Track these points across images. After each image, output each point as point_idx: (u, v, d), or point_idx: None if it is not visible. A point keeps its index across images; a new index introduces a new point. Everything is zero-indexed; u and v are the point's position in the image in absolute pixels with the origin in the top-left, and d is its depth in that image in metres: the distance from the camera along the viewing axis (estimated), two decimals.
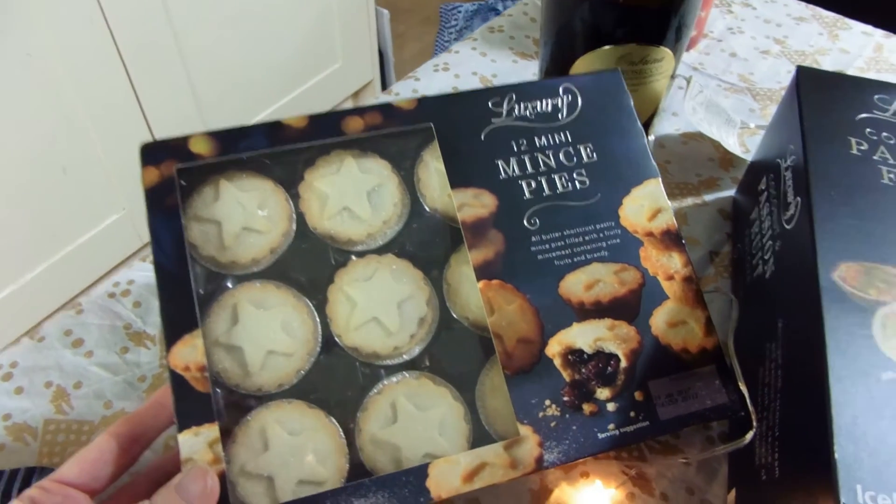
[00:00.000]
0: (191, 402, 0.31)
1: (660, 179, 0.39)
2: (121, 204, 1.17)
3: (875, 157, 0.39)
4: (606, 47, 0.45)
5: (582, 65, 0.47)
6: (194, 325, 0.32)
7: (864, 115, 0.41)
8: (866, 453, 0.28)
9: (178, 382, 0.31)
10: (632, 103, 0.41)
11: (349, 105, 1.61)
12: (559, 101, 0.40)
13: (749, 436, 0.35)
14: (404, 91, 0.62)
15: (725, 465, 0.38)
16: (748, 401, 0.35)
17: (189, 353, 0.32)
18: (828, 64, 0.68)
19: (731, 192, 0.54)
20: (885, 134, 0.40)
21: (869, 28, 0.73)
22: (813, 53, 0.69)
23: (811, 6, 0.76)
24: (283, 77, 1.39)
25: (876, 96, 0.42)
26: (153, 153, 0.35)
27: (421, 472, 0.32)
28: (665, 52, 0.46)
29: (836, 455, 0.28)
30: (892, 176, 0.38)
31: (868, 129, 0.40)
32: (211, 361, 0.33)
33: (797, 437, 0.33)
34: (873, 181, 0.38)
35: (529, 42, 0.69)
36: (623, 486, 0.37)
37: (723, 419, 0.36)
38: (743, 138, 0.58)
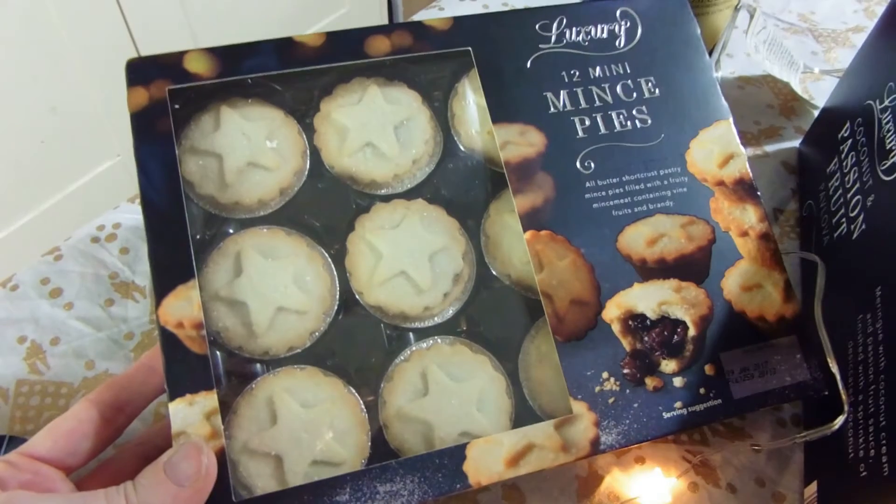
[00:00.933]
0: (185, 366, 0.26)
1: (731, 121, 0.34)
2: (115, 150, 1.09)
3: None
4: None
5: None
6: (190, 274, 0.27)
7: None
8: None
9: (170, 342, 0.26)
10: (699, 31, 0.35)
11: None
12: (616, 26, 0.34)
13: (839, 421, 0.30)
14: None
15: (800, 454, 0.33)
16: (839, 381, 0.30)
17: (183, 307, 0.27)
18: None
19: (795, 143, 0.48)
20: None
21: None
22: None
23: None
24: (285, 24, 1.31)
25: None
26: (142, 70, 0.29)
27: (457, 453, 0.27)
28: None
29: None
30: None
31: None
32: (209, 318, 0.27)
33: None
34: None
35: None
36: (685, 475, 0.32)
37: (805, 399, 0.31)
38: (806, 84, 0.52)
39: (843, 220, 0.36)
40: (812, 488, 0.32)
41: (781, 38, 0.53)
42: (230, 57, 0.30)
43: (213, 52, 0.30)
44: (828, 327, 0.32)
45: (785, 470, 0.33)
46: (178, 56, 0.30)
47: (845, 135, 0.39)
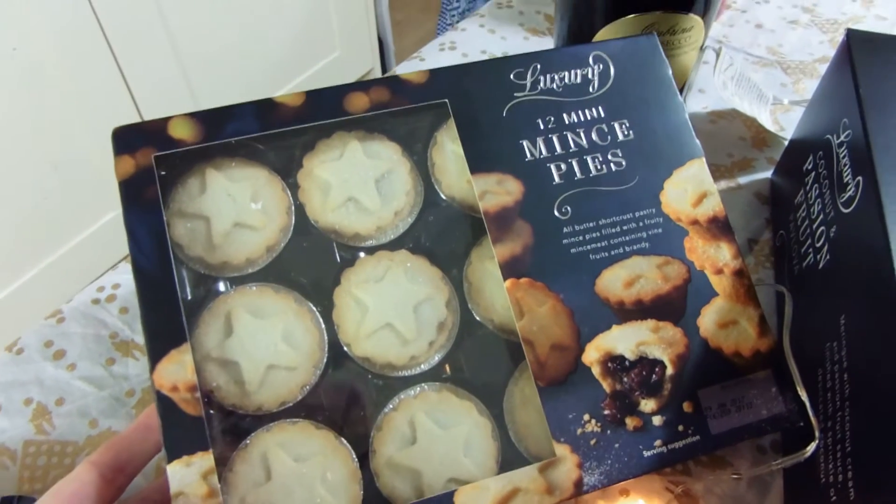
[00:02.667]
0: (181, 428, 0.27)
1: (704, 159, 0.35)
2: (115, 202, 1.10)
3: None
4: (630, 16, 0.40)
5: (603, 37, 0.42)
6: (182, 338, 0.28)
7: None
8: None
9: (166, 406, 0.27)
10: (670, 72, 0.36)
11: None
12: (589, 71, 0.35)
13: (810, 448, 0.31)
14: (409, 71, 0.57)
15: (780, 480, 0.34)
16: (808, 409, 0.31)
17: (177, 370, 0.28)
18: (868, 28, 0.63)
19: (767, 174, 0.49)
20: None
21: None
22: (846, 22, 0.64)
23: None
24: (280, 67, 1.33)
25: None
26: (127, 139, 0.30)
27: (446, 501, 0.28)
28: (695, 20, 0.42)
29: None
30: None
31: None
32: (202, 378, 0.28)
33: (875, 454, 0.29)
34: None
35: (541, 18, 0.64)
36: None
37: (781, 431, 0.32)
38: (776, 115, 0.53)
39: (811, 250, 0.38)
40: None
41: (749, 73, 0.54)
42: (212, 121, 0.31)
43: (196, 117, 0.31)
44: (800, 355, 0.34)
45: (766, 496, 0.34)
46: (163, 123, 0.31)
47: (809, 167, 0.40)
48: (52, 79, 0.95)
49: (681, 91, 0.47)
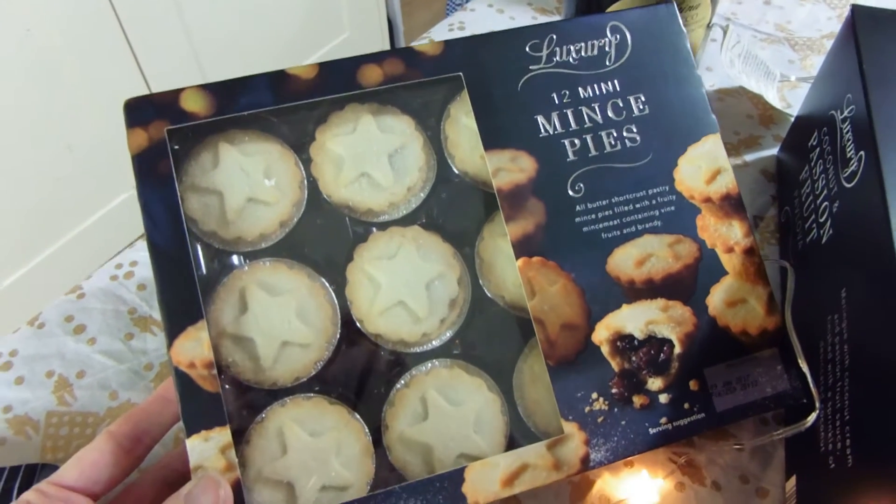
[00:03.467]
0: (199, 404, 0.28)
1: (719, 135, 0.35)
2: (130, 182, 1.10)
3: None
4: None
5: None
6: (198, 315, 0.28)
7: None
8: None
9: (184, 382, 0.28)
10: (689, 43, 0.36)
11: None
12: (606, 42, 0.35)
13: (811, 419, 0.32)
14: None
15: (782, 450, 0.35)
16: (809, 380, 0.32)
17: (194, 347, 0.28)
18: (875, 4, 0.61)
19: (773, 151, 0.49)
20: None
21: None
22: None
23: None
24: (289, 49, 1.31)
25: None
26: (139, 111, 0.30)
27: (456, 476, 0.29)
28: None
29: None
30: None
31: None
32: (219, 353, 0.29)
33: (872, 422, 0.29)
34: None
35: None
36: (672, 476, 0.34)
37: (785, 407, 0.33)
38: (783, 92, 0.53)
39: (814, 225, 0.38)
40: (791, 482, 0.34)
41: (757, 50, 0.53)
42: (225, 93, 0.31)
43: (209, 88, 0.31)
44: (802, 328, 0.34)
45: (767, 466, 0.35)
46: (175, 94, 0.30)
47: (813, 143, 0.40)
48: (65, 60, 0.94)
49: None
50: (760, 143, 0.49)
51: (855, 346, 0.31)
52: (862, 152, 0.34)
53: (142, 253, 0.41)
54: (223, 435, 0.28)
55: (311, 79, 0.32)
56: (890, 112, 0.34)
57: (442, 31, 0.58)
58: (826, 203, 0.37)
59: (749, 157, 0.48)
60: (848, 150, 0.36)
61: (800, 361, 0.32)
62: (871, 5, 0.39)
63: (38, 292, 1.04)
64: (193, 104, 0.30)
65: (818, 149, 0.40)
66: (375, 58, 0.32)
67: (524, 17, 0.60)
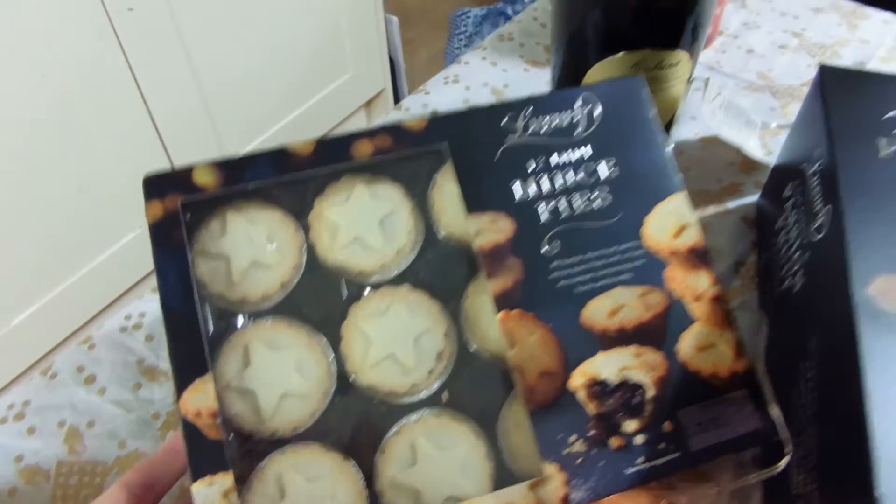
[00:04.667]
0: (204, 451, 0.30)
1: (684, 193, 0.38)
2: (137, 222, 1.17)
3: None
4: (620, 54, 0.43)
5: (595, 73, 0.45)
6: (205, 369, 0.31)
7: (891, 114, 0.39)
8: None
9: (190, 430, 0.30)
10: (655, 112, 0.39)
11: (362, 115, 1.59)
12: (577, 112, 0.38)
13: (782, 463, 0.33)
14: (414, 106, 0.61)
15: (760, 492, 0.37)
16: (780, 426, 0.34)
17: (200, 398, 0.31)
18: (848, 55, 0.65)
19: (754, 198, 0.52)
20: None
21: (888, 15, 0.70)
22: (832, 45, 0.66)
23: None
24: (294, 88, 1.38)
25: None
26: (156, 186, 0.34)
27: None
28: (681, 55, 0.44)
29: (880, 490, 0.26)
30: None
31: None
32: (223, 406, 0.32)
33: (837, 467, 0.31)
34: None
35: (540, 49, 0.67)
36: None
37: (757, 446, 0.35)
38: (765, 139, 0.56)
39: (788, 274, 0.40)
40: None
41: (739, 98, 0.57)
42: (233, 168, 0.34)
43: (218, 165, 0.34)
44: (777, 373, 0.36)
45: None
46: (188, 171, 0.34)
47: (788, 193, 0.43)
48: (78, 105, 1.00)
49: (671, 120, 0.50)
50: (741, 190, 0.52)
51: (822, 394, 0.33)
52: (829, 206, 0.37)
53: (150, 304, 0.44)
54: (226, 480, 0.30)
55: (308, 154, 0.35)
56: (854, 168, 0.37)
57: (438, 84, 0.62)
58: (798, 253, 0.40)
59: (731, 204, 0.51)
60: (816, 203, 0.38)
61: (771, 408, 0.34)
62: (838, 65, 0.43)
63: (48, 331, 1.08)
64: (205, 178, 0.34)
65: (792, 199, 0.42)
66: (367, 134, 0.36)
67: (516, 70, 0.65)
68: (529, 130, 0.38)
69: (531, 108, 0.38)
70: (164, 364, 0.41)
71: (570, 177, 0.37)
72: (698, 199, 0.52)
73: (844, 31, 0.68)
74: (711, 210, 0.50)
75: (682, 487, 0.37)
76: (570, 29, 0.46)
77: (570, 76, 0.48)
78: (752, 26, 0.69)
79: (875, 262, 0.33)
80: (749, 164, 0.54)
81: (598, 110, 0.39)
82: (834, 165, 0.37)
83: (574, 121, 0.38)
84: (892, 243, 0.34)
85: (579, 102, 0.39)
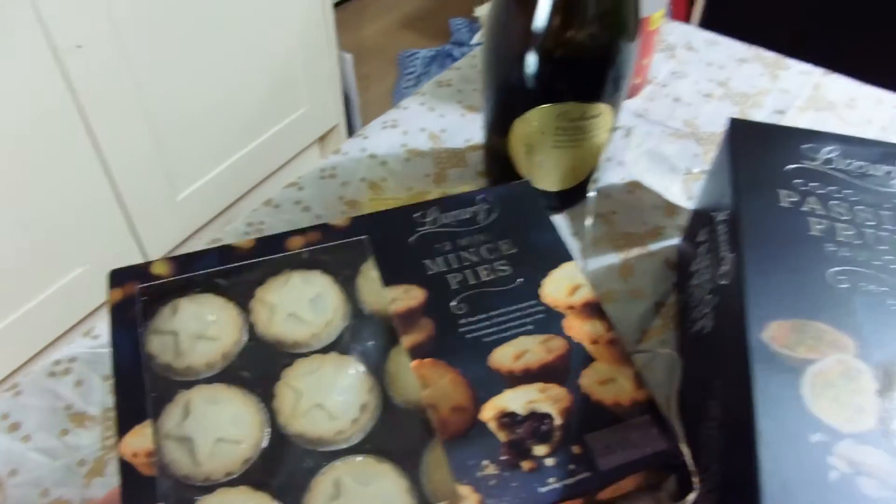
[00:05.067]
0: (138, 488, 0.33)
1: (575, 262, 0.44)
2: (84, 258, 1.17)
3: (804, 209, 0.40)
4: (544, 106, 0.48)
5: (521, 123, 0.50)
6: (145, 417, 0.35)
7: (792, 166, 0.42)
8: None
9: (126, 469, 0.33)
10: (545, 205, 0.47)
11: (316, 149, 1.61)
12: (477, 209, 0.46)
13: (690, 498, 0.35)
14: (353, 150, 0.64)
15: None
16: (689, 460, 0.36)
17: (139, 441, 0.34)
18: (769, 104, 0.70)
19: (676, 241, 0.54)
20: (813, 184, 0.41)
21: (807, 67, 0.75)
22: (755, 95, 0.70)
23: (753, 47, 0.78)
24: (248, 123, 1.40)
25: (804, 146, 0.43)
26: (120, 277, 0.40)
27: None
28: (603, 107, 0.48)
29: None
30: (820, 227, 0.39)
31: (797, 180, 0.41)
32: (161, 454, 0.35)
33: (734, 500, 0.33)
34: (802, 233, 0.39)
35: (478, 95, 0.70)
36: None
37: (664, 466, 0.37)
38: (689, 184, 0.58)
39: (700, 315, 0.44)
40: None
41: (663, 147, 0.61)
42: (185, 261, 0.41)
43: (173, 259, 0.41)
44: (689, 411, 0.38)
45: None
46: (148, 264, 0.41)
47: (701, 238, 0.46)
48: (25, 141, 1.02)
49: (594, 169, 0.54)
50: (664, 233, 0.55)
51: (724, 432, 0.36)
52: (732, 253, 0.39)
53: (81, 349, 0.45)
54: None
55: (249, 248, 0.42)
56: (755, 217, 0.39)
57: (376, 129, 0.65)
58: (710, 296, 0.41)
59: (653, 247, 0.54)
60: (723, 249, 0.41)
61: (681, 445, 0.37)
62: (747, 119, 0.47)
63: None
64: (161, 270, 0.41)
65: (705, 244, 0.45)
66: (299, 232, 0.43)
67: (453, 115, 0.68)
68: (439, 222, 0.45)
69: (437, 207, 0.46)
70: (94, 409, 0.42)
71: (475, 254, 0.43)
72: (624, 242, 0.55)
73: (767, 80, 0.73)
74: (636, 252, 0.53)
75: None
76: (498, 81, 0.50)
77: (498, 125, 0.53)
78: (679, 75, 0.73)
79: (770, 309, 0.35)
80: (672, 209, 0.57)
81: (497, 209, 0.46)
82: (738, 214, 0.39)
83: (475, 214, 0.46)
84: (787, 291, 0.36)
85: (479, 199, 0.46)
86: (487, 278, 0.42)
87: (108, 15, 1.08)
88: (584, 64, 0.47)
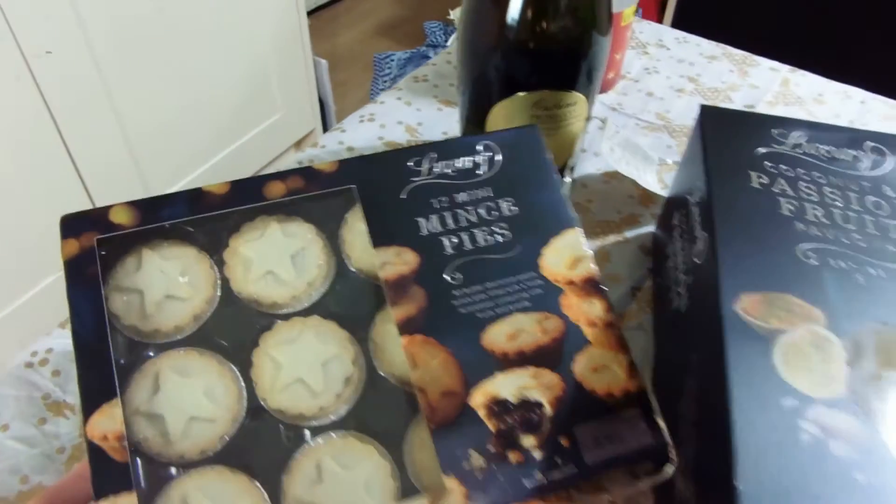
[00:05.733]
0: (109, 472, 0.31)
1: (578, 229, 0.41)
2: (57, 266, 1.14)
3: (774, 190, 0.41)
4: (520, 94, 0.48)
5: (497, 112, 0.49)
6: (113, 394, 0.32)
7: (763, 150, 0.44)
8: (769, 482, 0.29)
9: (96, 453, 0.31)
10: (550, 157, 0.43)
11: (292, 154, 1.63)
12: (479, 157, 0.42)
13: (668, 469, 0.35)
14: (330, 143, 0.64)
15: (651, 501, 0.38)
16: (667, 434, 0.36)
17: (107, 422, 0.32)
18: (739, 99, 0.72)
19: (651, 228, 0.56)
20: (783, 166, 0.43)
21: (776, 64, 0.78)
22: (725, 90, 0.73)
23: (721, 45, 0.81)
24: (222, 129, 1.41)
25: (774, 130, 0.45)
26: (73, 225, 0.35)
27: None
28: (577, 96, 0.49)
29: (740, 486, 0.28)
30: (790, 207, 0.40)
31: (767, 163, 0.43)
32: (131, 431, 0.32)
33: (709, 470, 0.33)
34: (773, 212, 0.40)
35: (453, 90, 0.72)
36: None
37: (648, 461, 0.37)
38: (662, 174, 0.61)
39: (675, 296, 0.43)
40: None
41: (639, 137, 0.62)
42: (149, 208, 0.37)
43: (135, 204, 0.36)
44: (666, 388, 0.38)
45: None
46: (105, 210, 0.36)
47: (675, 222, 0.47)
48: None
49: (570, 157, 0.54)
50: (640, 221, 0.56)
51: (699, 405, 0.36)
52: (705, 233, 0.40)
53: (57, 340, 0.45)
54: (130, 499, 0.30)
55: (223, 194, 0.38)
56: (727, 198, 0.41)
57: (353, 123, 0.65)
58: (684, 276, 0.43)
59: (629, 234, 0.55)
60: (696, 230, 0.42)
61: (658, 419, 0.36)
62: (717, 106, 0.48)
63: None
64: (121, 217, 0.36)
65: (679, 227, 0.46)
66: (280, 176, 0.39)
67: (430, 109, 0.69)
68: (435, 172, 0.41)
69: (434, 153, 0.41)
70: (71, 398, 0.41)
71: (473, 213, 0.40)
72: (600, 230, 0.56)
73: (736, 77, 0.75)
74: (612, 239, 0.54)
75: (579, 497, 0.38)
76: (474, 72, 0.50)
77: (475, 115, 0.52)
78: (651, 71, 0.76)
79: (742, 282, 0.36)
80: (647, 197, 0.58)
81: (499, 156, 0.42)
82: (710, 195, 0.41)
83: (476, 164, 0.42)
84: (758, 266, 0.37)
85: (480, 148, 0.42)
86: (485, 244, 0.39)
87: (77, 21, 1.04)
88: (559, 54, 0.48)
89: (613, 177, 0.60)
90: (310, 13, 1.62)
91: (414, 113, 0.68)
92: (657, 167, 0.60)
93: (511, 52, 0.47)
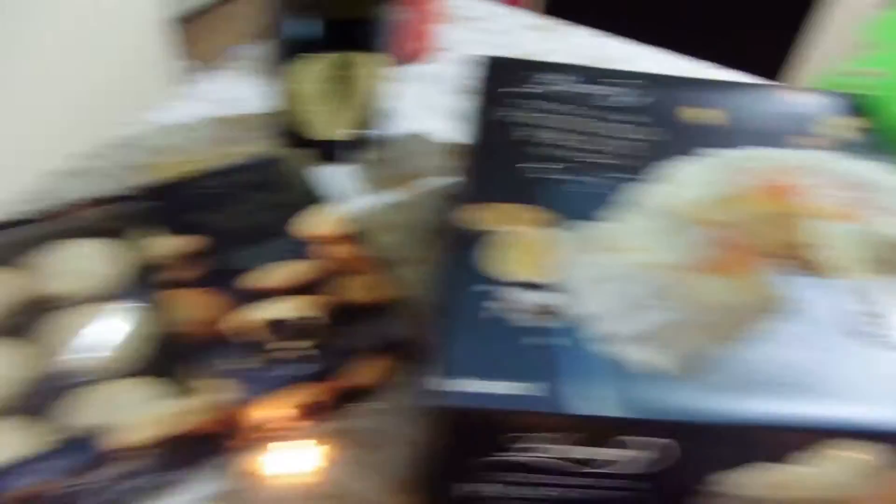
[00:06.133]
0: None
1: (335, 204, 0.49)
2: None
3: (515, 121, 0.46)
4: (314, 57, 0.52)
5: (296, 77, 0.53)
6: None
7: (517, 90, 0.49)
8: (462, 353, 0.34)
9: None
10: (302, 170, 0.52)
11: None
12: (238, 178, 0.51)
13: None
14: (143, 120, 0.65)
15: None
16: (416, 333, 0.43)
17: None
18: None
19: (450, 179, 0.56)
20: (531, 102, 0.48)
21: (596, 32, 0.80)
22: (541, 56, 0.69)
23: (545, 17, 0.82)
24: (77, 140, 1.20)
25: (537, 74, 0.50)
26: None
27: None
28: (368, 58, 0.53)
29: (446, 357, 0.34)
30: (521, 133, 0.45)
31: (518, 100, 0.48)
32: None
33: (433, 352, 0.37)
34: (506, 139, 0.45)
35: None
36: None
37: (408, 353, 0.43)
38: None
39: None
40: None
41: (439, 101, 0.66)
42: None
43: None
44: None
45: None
46: None
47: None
48: None
49: (372, 116, 0.58)
50: (439, 173, 0.61)
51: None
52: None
53: None
54: None
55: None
56: (479, 134, 0.45)
57: (167, 100, 0.66)
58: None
59: (430, 184, 0.61)
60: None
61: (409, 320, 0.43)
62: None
63: None
64: None
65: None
66: (79, 202, 0.46)
67: (248, 86, 0.69)
68: (213, 189, 0.49)
69: (211, 178, 0.50)
70: None
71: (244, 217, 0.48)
72: (401, 182, 0.61)
73: (553, 44, 0.78)
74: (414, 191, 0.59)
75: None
76: (273, 41, 0.54)
77: (278, 82, 0.55)
78: (465, 42, 0.77)
79: (475, 196, 0.41)
80: (446, 153, 0.62)
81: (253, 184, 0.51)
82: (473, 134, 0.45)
83: (236, 185, 0.50)
84: (489, 182, 0.42)
85: (237, 173, 0.51)
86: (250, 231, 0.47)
87: None
88: (344, 19, 0.52)
89: (414, 135, 0.64)
90: (186, 20, 1.58)
91: (231, 89, 0.69)
92: (456, 124, 0.63)
93: (299, 17, 0.50)
